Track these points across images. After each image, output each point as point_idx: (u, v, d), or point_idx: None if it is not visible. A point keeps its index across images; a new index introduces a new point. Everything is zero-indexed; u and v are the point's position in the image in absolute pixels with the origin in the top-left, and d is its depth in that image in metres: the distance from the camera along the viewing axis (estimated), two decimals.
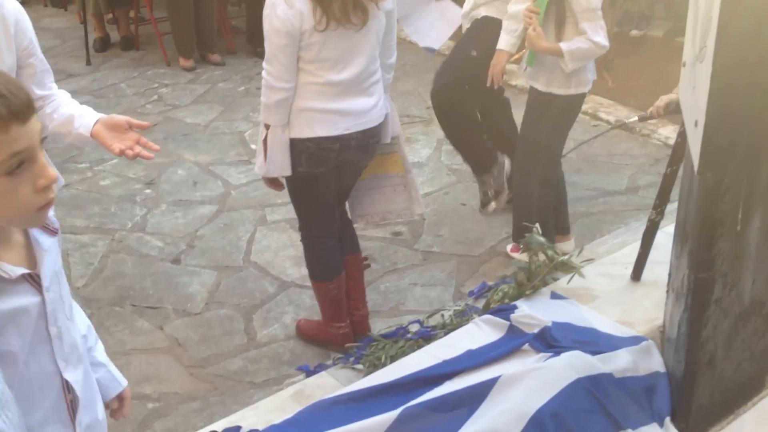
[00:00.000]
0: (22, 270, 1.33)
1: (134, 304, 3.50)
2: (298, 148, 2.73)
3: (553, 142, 3.43)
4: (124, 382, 1.73)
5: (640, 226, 2.97)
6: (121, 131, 2.05)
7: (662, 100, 3.09)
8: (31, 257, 1.37)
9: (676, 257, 2.12)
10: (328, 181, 2.85)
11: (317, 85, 2.67)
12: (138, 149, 2.03)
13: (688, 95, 2.03)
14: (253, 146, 4.86)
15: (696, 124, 1.88)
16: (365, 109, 2.75)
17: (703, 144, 1.81)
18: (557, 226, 3.63)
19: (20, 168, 1.23)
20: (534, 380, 2.14)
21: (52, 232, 1.43)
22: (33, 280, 1.35)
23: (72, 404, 1.45)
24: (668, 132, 4.69)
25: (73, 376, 1.44)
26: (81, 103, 2.20)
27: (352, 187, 3.04)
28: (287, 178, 2.87)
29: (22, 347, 1.33)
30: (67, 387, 1.44)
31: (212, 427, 2.43)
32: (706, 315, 1.99)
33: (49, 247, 1.40)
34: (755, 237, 2.00)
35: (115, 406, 1.73)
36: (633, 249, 2.88)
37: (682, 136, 2.42)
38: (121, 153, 2.02)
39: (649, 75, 5.39)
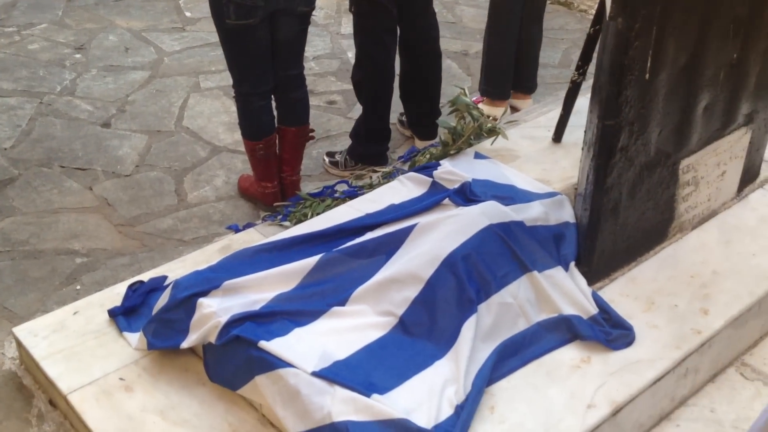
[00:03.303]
0: None
1: (63, 165, 3.47)
2: None
3: None
4: None
5: None
6: None
7: None
8: None
9: (591, 111, 2.17)
10: (259, 34, 2.81)
11: None
12: None
13: None
14: (188, 14, 4.74)
15: None
16: None
17: None
18: (517, 84, 3.69)
19: None
20: (448, 226, 2.21)
21: None
22: None
23: None
24: None
25: None
26: None
27: (290, 40, 2.95)
28: (219, 33, 2.84)
29: None
30: None
31: (139, 277, 2.47)
32: (611, 162, 2.06)
33: None
34: (663, 87, 2.05)
35: None
36: (556, 114, 2.93)
37: None
38: None
39: None
